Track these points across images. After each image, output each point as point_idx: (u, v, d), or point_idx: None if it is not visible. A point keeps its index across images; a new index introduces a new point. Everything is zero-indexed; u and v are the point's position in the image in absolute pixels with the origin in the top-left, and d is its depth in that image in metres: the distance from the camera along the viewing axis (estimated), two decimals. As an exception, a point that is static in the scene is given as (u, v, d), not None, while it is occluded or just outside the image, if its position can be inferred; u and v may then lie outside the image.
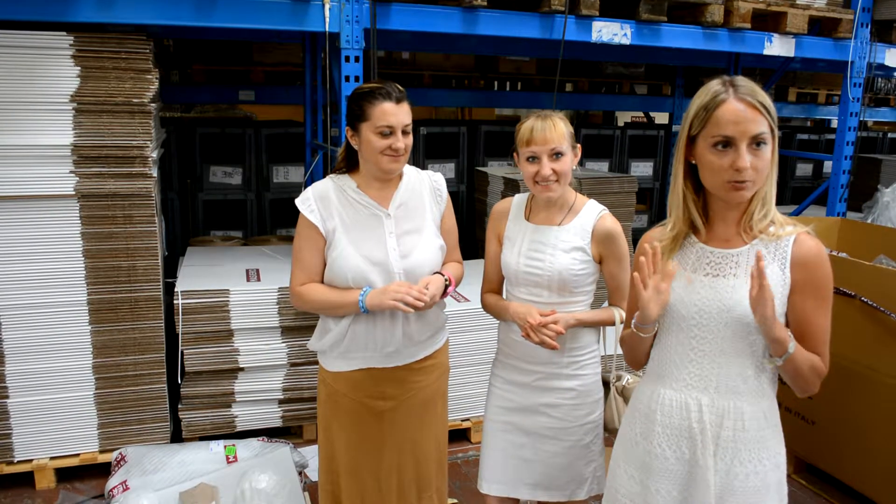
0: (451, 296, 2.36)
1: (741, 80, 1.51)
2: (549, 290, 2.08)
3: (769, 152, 1.50)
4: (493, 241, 2.22)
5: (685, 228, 1.64)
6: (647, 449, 1.69)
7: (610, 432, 2.19)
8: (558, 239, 2.08)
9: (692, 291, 1.60)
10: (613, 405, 2.21)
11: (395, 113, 2.00)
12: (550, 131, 2.00)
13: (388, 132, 2.00)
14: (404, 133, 2.03)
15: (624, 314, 2.10)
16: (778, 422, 1.66)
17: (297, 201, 2.10)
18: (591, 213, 2.10)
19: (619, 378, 2.25)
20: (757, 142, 1.48)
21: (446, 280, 2.11)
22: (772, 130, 1.50)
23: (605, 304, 2.19)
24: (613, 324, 2.10)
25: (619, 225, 2.13)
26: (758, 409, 1.59)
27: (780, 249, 1.54)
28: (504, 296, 2.23)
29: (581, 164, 2.17)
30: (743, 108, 1.47)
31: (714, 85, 1.51)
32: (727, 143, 1.49)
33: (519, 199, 2.22)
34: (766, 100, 1.49)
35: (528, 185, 2.08)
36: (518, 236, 2.14)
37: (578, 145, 2.10)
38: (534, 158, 2.03)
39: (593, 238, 2.07)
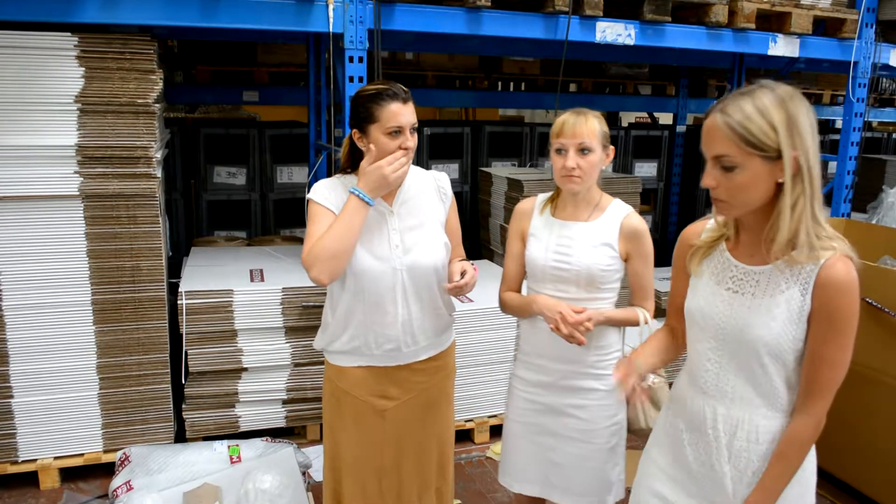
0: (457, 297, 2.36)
1: (740, 101, 1.41)
2: (576, 286, 2.08)
3: (746, 177, 1.40)
4: (516, 240, 2.22)
5: (727, 232, 1.59)
6: (675, 438, 1.69)
7: (633, 433, 2.18)
8: (587, 234, 2.08)
9: (713, 304, 1.57)
10: (638, 404, 2.20)
11: (403, 113, 2.00)
12: (581, 126, 2.01)
13: (397, 132, 2.00)
14: (411, 132, 2.03)
15: (648, 315, 2.11)
16: None
17: (311, 195, 2.09)
18: (619, 211, 2.11)
19: (643, 378, 2.24)
20: (722, 164, 1.42)
21: (473, 266, 2.12)
22: (761, 157, 1.39)
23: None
24: (638, 323, 2.10)
25: (645, 224, 2.14)
26: (774, 425, 1.54)
27: (805, 273, 1.45)
28: (525, 293, 2.22)
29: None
30: (712, 126, 1.43)
31: (727, 96, 1.47)
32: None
33: (542, 197, 2.22)
34: (754, 125, 1.38)
35: (556, 177, 2.08)
36: (545, 232, 2.14)
37: (612, 147, 2.09)
38: (561, 150, 2.04)
39: (621, 235, 2.07)
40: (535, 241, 2.15)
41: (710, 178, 1.45)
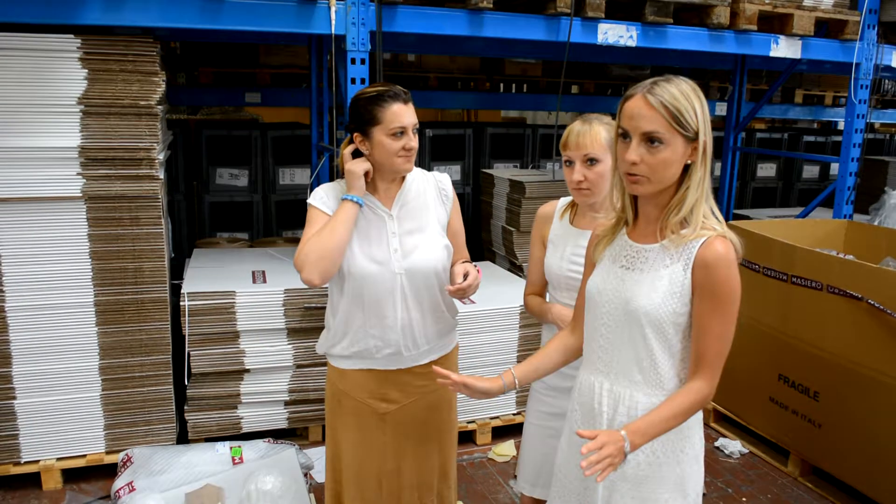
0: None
1: (665, 84, 1.51)
2: None
3: (669, 154, 1.50)
4: (538, 245, 2.22)
5: (623, 216, 1.69)
6: (571, 421, 1.80)
7: None
8: None
9: (607, 280, 1.67)
10: None
11: (406, 113, 2.01)
12: (584, 137, 2.00)
13: (401, 133, 2.01)
14: (413, 132, 2.04)
15: None
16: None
17: (310, 199, 2.10)
18: None
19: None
20: (650, 139, 1.50)
21: (476, 268, 2.12)
22: (683, 136, 1.50)
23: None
24: None
25: None
26: (654, 401, 1.62)
27: (688, 250, 1.55)
28: (548, 300, 2.22)
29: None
30: (641, 105, 1.51)
31: (644, 82, 1.55)
32: (626, 136, 1.54)
33: (563, 203, 2.21)
34: (682, 105, 1.49)
35: (569, 188, 2.08)
36: (562, 240, 2.13)
37: None
38: (570, 163, 2.04)
39: None
40: (553, 249, 2.15)
41: (634, 154, 1.52)
